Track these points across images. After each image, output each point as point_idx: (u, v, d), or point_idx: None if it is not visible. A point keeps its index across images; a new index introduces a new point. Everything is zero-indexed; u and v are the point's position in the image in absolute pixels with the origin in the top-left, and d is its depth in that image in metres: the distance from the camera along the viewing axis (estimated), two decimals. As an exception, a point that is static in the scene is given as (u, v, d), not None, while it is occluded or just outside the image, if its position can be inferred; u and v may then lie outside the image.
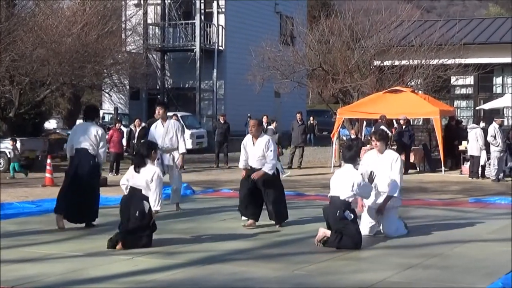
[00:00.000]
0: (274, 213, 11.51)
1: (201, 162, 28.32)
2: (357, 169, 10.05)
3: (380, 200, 10.35)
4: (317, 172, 23.83)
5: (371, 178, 10.02)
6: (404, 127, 23.28)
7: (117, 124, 24.79)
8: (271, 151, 11.21)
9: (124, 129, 25.93)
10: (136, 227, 9.49)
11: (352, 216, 9.57)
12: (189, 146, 32.20)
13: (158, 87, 40.51)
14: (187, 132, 31.57)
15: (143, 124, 25.26)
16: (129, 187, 9.75)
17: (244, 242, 10.09)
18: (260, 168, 11.28)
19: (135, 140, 23.77)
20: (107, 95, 39.11)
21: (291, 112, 31.93)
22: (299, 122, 26.22)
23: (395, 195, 10.35)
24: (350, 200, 9.65)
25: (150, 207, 9.54)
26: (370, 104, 24.30)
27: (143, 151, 9.81)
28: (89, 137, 11.29)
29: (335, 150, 25.54)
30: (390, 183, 10.31)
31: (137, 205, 9.51)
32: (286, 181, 20.62)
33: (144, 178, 9.56)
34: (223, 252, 9.34)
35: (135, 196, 9.62)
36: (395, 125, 24.12)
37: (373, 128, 24.62)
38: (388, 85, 26.53)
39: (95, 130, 11.39)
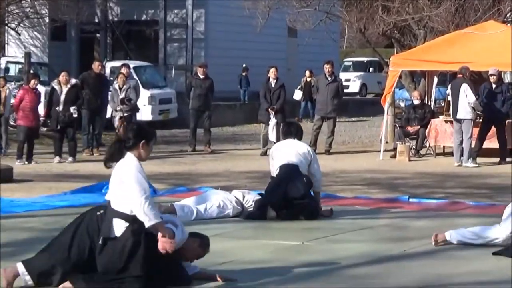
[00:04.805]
0: None
1: (167, 143, 28.32)
2: None
3: None
4: (358, 161, 23.93)
5: None
6: (495, 86, 23.14)
7: (32, 81, 24.72)
8: None
9: (42, 89, 25.90)
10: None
11: None
12: (149, 116, 32.25)
13: (97, 20, 40.51)
14: (145, 93, 31.52)
15: (74, 81, 25.23)
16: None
17: (249, 274, 10.10)
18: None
19: (61, 107, 23.70)
20: (12, 32, 39.08)
21: (314, 61, 31.96)
22: (328, 78, 25.88)
23: None
24: None
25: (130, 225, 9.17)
26: (443, 49, 24.22)
27: (128, 134, 9.35)
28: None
29: (387, 124, 25.41)
30: None
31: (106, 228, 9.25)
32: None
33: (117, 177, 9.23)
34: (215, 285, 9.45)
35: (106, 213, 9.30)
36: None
37: (448, 88, 24.57)
38: (474, 18, 26.52)
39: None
